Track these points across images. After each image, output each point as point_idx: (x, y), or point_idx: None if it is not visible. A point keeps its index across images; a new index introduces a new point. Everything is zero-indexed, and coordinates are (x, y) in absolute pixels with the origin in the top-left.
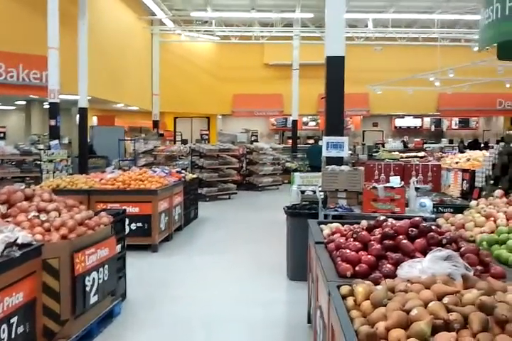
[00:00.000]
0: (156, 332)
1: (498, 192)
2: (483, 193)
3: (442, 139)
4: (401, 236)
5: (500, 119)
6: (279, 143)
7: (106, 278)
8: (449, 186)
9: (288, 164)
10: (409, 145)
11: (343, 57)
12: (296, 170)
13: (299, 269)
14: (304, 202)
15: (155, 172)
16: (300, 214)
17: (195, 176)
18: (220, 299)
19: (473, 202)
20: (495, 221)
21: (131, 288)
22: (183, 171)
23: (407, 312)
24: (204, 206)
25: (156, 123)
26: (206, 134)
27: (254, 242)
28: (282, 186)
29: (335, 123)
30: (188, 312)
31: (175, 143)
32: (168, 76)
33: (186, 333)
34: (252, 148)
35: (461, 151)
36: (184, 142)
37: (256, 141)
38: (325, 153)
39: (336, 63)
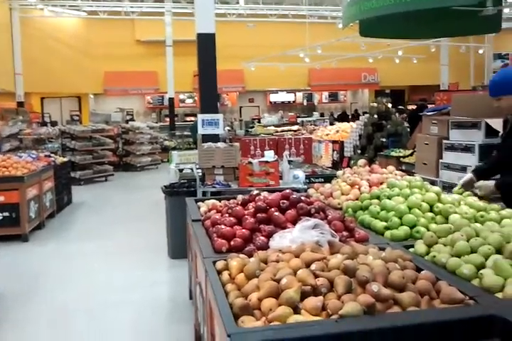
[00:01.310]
0: (32, 327)
1: (362, 161)
2: (352, 162)
3: (314, 113)
4: (273, 209)
5: (365, 92)
6: (157, 122)
7: None
8: (321, 157)
9: (167, 142)
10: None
11: (214, 34)
12: (175, 149)
13: (179, 248)
14: (182, 181)
15: (21, 157)
16: (178, 193)
17: (66, 159)
18: (102, 285)
19: (339, 172)
20: (359, 188)
21: (1, 283)
22: (52, 155)
23: (278, 281)
24: (79, 190)
25: (21, 105)
26: (77, 115)
27: (134, 224)
28: (162, 165)
29: (209, 101)
30: (68, 302)
31: (43, 126)
32: (32, 54)
33: (67, 325)
34: (127, 128)
35: (332, 124)
36: (53, 124)
37: (132, 120)
38: (201, 131)
39: (207, 40)
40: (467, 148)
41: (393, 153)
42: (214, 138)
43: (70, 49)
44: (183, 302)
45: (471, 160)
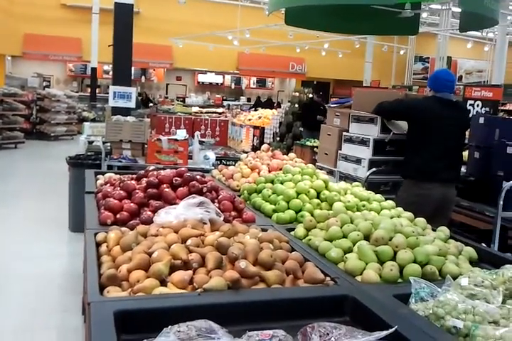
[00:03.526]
0: None
1: (264, 146)
2: (271, 149)
3: (241, 97)
4: (165, 185)
5: (292, 81)
6: (77, 91)
7: None
8: (242, 142)
9: (85, 113)
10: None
11: (132, 5)
12: (94, 120)
13: (80, 221)
14: (89, 153)
15: None
16: (82, 165)
17: None
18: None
19: (243, 155)
20: (259, 172)
21: None
22: None
23: (151, 254)
24: None
25: None
26: None
27: (39, 194)
28: (78, 136)
29: (123, 73)
30: None
31: None
32: None
33: None
34: (43, 95)
35: (256, 109)
36: None
37: (48, 86)
38: (112, 103)
39: (125, 10)
40: (363, 142)
41: (308, 143)
42: (125, 111)
43: None
44: (78, 275)
45: (365, 153)
